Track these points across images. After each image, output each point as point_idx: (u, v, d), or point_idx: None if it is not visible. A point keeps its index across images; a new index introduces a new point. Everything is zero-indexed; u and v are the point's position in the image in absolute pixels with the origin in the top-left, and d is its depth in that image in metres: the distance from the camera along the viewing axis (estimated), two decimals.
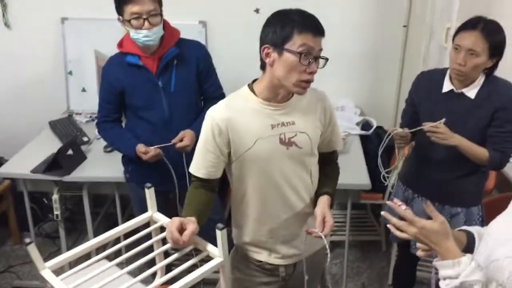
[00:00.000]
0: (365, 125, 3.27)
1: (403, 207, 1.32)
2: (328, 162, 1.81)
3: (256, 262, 1.80)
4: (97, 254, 1.46)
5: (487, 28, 1.90)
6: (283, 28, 1.47)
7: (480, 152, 2.00)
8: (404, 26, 3.25)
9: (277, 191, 1.67)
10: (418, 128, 2.05)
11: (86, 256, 1.46)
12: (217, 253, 1.35)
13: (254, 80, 1.64)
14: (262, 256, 1.78)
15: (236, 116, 1.58)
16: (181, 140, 2.21)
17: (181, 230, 1.42)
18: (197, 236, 1.39)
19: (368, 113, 3.41)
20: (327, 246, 1.56)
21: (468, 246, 1.37)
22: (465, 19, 2.03)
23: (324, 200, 1.66)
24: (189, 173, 1.81)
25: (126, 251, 1.39)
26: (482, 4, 2.16)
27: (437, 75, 2.13)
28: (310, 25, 1.47)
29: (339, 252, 3.21)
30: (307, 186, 1.72)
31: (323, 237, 1.56)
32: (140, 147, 2.21)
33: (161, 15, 2.13)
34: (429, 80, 2.15)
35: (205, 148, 1.62)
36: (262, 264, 1.79)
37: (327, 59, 1.53)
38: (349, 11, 3.21)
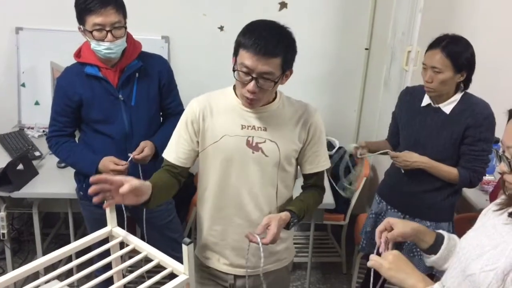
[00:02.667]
0: (328, 145, 3.26)
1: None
2: (308, 186, 1.76)
3: (206, 269, 1.78)
4: (46, 274, 1.34)
5: (449, 46, 1.98)
6: (236, 41, 1.52)
7: (448, 171, 2.08)
8: (366, 49, 3.31)
9: (234, 193, 1.66)
10: (381, 152, 2.28)
11: (34, 277, 1.34)
12: (182, 269, 1.27)
13: None
14: (211, 261, 1.77)
15: (212, 108, 1.63)
16: (140, 152, 2.12)
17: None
18: (160, 252, 1.31)
19: (330, 133, 3.42)
20: (262, 255, 1.47)
21: (435, 245, 1.39)
22: (425, 42, 2.11)
23: (281, 213, 1.57)
24: None
25: (80, 270, 1.28)
26: (442, 29, 2.23)
27: (419, 90, 2.20)
28: (254, 45, 1.44)
29: (300, 274, 3.17)
30: (269, 198, 1.67)
31: (259, 240, 1.46)
32: (108, 161, 2.10)
33: (125, 27, 2.05)
34: (411, 95, 2.25)
35: (178, 134, 1.68)
36: (210, 270, 1.78)
37: (275, 82, 1.50)
38: (313, 33, 3.24)
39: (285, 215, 1.56)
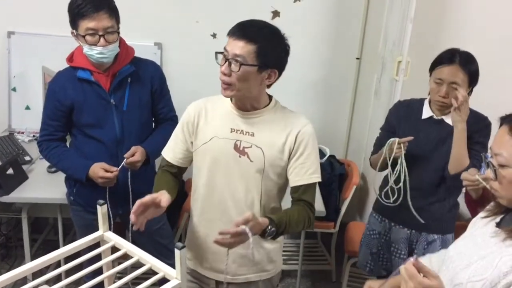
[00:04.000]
0: (318, 153, 3.28)
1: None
2: (296, 200, 1.68)
3: (190, 271, 1.80)
4: (34, 280, 1.33)
5: (464, 61, 2.00)
6: None
7: (467, 156, 2.00)
8: (357, 58, 3.35)
9: (220, 197, 1.67)
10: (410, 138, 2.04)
11: (22, 283, 1.33)
12: (174, 274, 1.26)
13: None
14: (194, 264, 1.80)
15: (207, 111, 1.70)
16: (132, 155, 2.12)
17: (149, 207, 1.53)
18: (152, 257, 1.30)
19: (321, 141, 3.43)
20: (251, 240, 1.40)
21: None
22: (415, 53, 2.13)
23: (260, 218, 1.49)
24: (133, 198, 1.86)
25: (69, 276, 1.27)
26: (432, 39, 2.26)
27: (415, 103, 2.22)
28: (233, 29, 1.55)
29: (289, 282, 3.16)
30: (253, 205, 1.66)
31: (247, 230, 1.38)
32: (98, 167, 2.09)
33: (118, 32, 2.06)
34: (407, 107, 2.23)
35: (176, 134, 1.76)
36: (194, 272, 1.80)
37: (244, 65, 1.51)
38: (305, 42, 3.27)
39: (263, 220, 1.49)
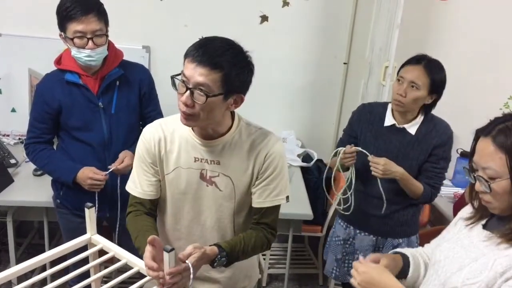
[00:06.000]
0: (306, 157, 3.31)
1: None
2: (254, 223, 1.57)
3: None
4: (19, 284, 1.32)
5: (430, 65, 2.00)
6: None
7: (417, 186, 2.08)
8: (345, 63, 3.38)
9: (188, 227, 1.58)
10: (359, 149, 2.06)
11: (7, 286, 1.32)
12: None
13: None
14: None
15: (167, 137, 1.53)
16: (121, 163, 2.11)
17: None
18: (140, 260, 1.30)
19: (309, 145, 3.47)
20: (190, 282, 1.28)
21: (403, 269, 1.41)
22: (402, 58, 2.15)
23: (207, 247, 1.36)
24: (121, 200, 1.76)
25: (55, 280, 1.26)
26: (419, 45, 2.30)
27: (378, 108, 2.19)
28: (194, 52, 1.33)
29: (277, 286, 3.17)
30: (225, 233, 1.58)
31: (190, 265, 1.26)
32: (88, 170, 2.07)
33: (106, 35, 2.05)
34: (370, 113, 2.20)
35: (139, 166, 1.56)
36: None
37: (209, 96, 1.33)
38: (293, 46, 3.29)
39: (211, 249, 1.37)
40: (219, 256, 1.38)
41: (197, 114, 1.37)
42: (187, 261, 1.25)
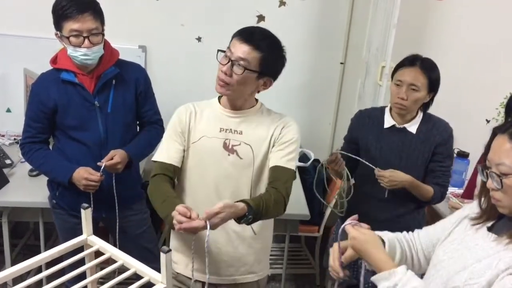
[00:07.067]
0: (303, 157, 3.30)
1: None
2: (269, 186, 1.68)
3: (176, 275, 1.78)
4: (14, 286, 1.30)
5: (425, 65, 2.02)
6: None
7: (427, 189, 2.07)
8: (341, 63, 3.38)
9: (208, 195, 1.67)
10: (342, 153, 2.05)
11: None
12: (159, 278, 1.25)
13: None
14: (178, 267, 1.78)
15: (197, 112, 1.74)
16: (110, 159, 2.08)
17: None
18: (137, 261, 1.29)
19: (306, 146, 3.46)
20: (207, 239, 1.40)
21: None
22: (399, 58, 2.15)
23: (238, 205, 1.48)
24: (119, 201, 1.83)
25: (51, 281, 1.25)
26: (415, 45, 2.31)
27: (376, 112, 2.20)
28: (242, 32, 1.60)
29: (274, 286, 3.16)
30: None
31: (208, 226, 1.38)
32: (83, 170, 2.06)
33: (102, 34, 2.04)
34: (368, 117, 2.21)
35: (167, 136, 1.74)
36: (177, 276, 1.78)
37: (247, 70, 1.57)
38: (290, 46, 3.24)
39: (242, 209, 1.49)
40: (247, 214, 1.50)
41: (232, 84, 1.60)
42: (207, 222, 1.38)
